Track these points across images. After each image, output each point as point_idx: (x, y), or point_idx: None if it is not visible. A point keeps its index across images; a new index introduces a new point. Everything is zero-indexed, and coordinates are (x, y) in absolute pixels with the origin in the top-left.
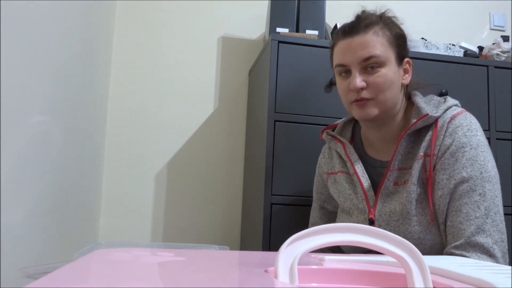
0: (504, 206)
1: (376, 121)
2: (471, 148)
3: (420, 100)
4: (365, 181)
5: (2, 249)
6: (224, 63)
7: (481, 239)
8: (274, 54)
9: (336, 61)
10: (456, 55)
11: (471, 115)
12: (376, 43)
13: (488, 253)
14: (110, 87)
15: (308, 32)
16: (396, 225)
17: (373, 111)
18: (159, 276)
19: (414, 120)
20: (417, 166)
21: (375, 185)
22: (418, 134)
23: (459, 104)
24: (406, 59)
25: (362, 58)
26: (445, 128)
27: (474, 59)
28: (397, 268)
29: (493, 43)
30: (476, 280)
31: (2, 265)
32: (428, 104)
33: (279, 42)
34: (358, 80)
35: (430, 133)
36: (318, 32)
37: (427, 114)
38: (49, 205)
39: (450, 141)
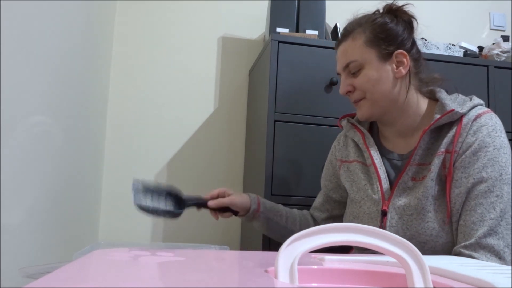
0: None
1: (381, 119)
2: (494, 149)
3: (445, 96)
4: (382, 173)
5: (2, 249)
6: (224, 63)
7: (492, 241)
8: (274, 54)
9: None
10: (456, 55)
11: (496, 116)
12: (354, 48)
13: (498, 256)
14: (110, 87)
15: (308, 32)
16: (409, 219)
17: (367, 110)
18: (159, 276)
19: (438, 116)
20: (437, 162)
21: (390, 177)
22: (440, 130)
23: (484, 104)
24: (398, 51)
25: (343, 65)
26: (469, 126)
27: (474, 59)
28: (397, 268)
29: (493, 43)
30: (476, 280)
31: (2, 265)
32: (453, 102)
33: (279, 42)
34: (342, 86)
35: (453, 129)
36: (318, 32)
37: (453, 110)
38: (49, 205)
39: (473, 139)
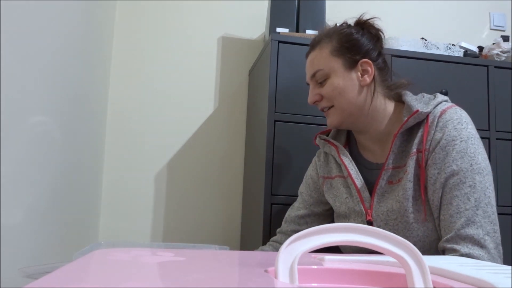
0: (504, 206)
1: (352, 126)
2: (461, 141)
3: (410, 98)
4: (359, 182)
5: (2, 249)
6: (224, 63)
7: (471, 230)
8: (274, 54)
9: None
10: (456, 55)
11: (461, 109)
12: (320, 58)
13: (479, 244)
14: (110, 87)
15: (308, 32)
16: (395, 223)
17: (335, 118)
18: (159, 276)
19: (406, 118)
20: (411, 163)
21: (371, 187)
22: (411, 131)
23: (449, 100)
24: (363, 60)
25: (310, 75)
26: (435, 122)
27: (474, 59)
28: (397, 268)
29: (493, 43)
30: (476, 280)
31: (2, 265)
32: (418, 102)
33: (279, 42)
34: (309, 96)
35: (422, 129)
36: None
37: (418, 111)
38: (49, 205)
39: (440, 135)
